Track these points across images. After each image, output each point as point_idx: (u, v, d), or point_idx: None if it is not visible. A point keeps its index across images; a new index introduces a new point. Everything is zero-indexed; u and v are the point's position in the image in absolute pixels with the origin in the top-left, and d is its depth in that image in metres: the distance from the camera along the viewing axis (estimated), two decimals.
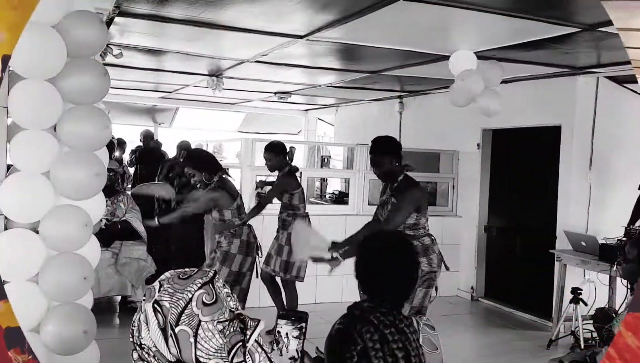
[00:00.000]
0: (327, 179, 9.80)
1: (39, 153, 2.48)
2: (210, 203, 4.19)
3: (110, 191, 5.90)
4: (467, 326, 6.27)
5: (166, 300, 1.25)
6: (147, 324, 1.25)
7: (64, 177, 2.48)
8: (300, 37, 4.46)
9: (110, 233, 5.78)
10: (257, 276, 4.46)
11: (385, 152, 3.97)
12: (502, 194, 6.97)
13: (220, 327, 1.24)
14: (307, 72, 6.42)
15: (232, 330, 1.26)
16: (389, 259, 2.06)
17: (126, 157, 8.85)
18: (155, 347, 1.25)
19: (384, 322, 1.38)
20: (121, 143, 8.92)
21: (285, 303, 5.26)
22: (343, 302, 6.09)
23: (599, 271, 5.24)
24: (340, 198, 8.20)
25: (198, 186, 4.35)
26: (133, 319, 1.31)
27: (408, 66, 5.70)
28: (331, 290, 6.39)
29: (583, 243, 5.43)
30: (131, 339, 1.31)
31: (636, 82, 5.89)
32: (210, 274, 1.31)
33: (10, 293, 2.40)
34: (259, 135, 11.42)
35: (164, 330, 1.23)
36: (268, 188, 5.50)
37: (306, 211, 5.18)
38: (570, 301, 5.29)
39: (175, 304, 1.24)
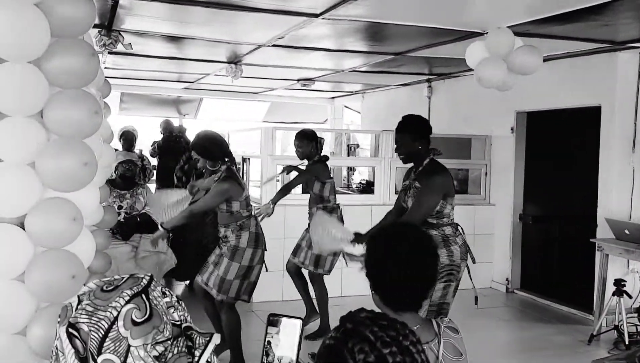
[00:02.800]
0: (354, 169, 9.57)
1: (24, 142, 2.27)
2: (220, 197, 3.91)
3: (131, 183, 5.81)
4: (502, 319, 5.95)
5: (84, 322, 0.97)
6: (63, 353, 0.99)
7: (50, 167, 2.27)
8: (316, 15, 4.19)
9: (129, 226, 5.66)
10: (266, 270, 4.20)
11: (410, 131, 3.66)
12: (538, 180, 6.61)
13: (159, 349, 0.97)
14: (329, 55, 6.15)
15: (175, 351, 0.99)
16: (401, 256, 1.79)
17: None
18: None
19: (382, 339, 1.10)
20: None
21: (313, 297, 5.10)
22: (370, 295, 5.90)
23: None
24: (368, 188, 7.97)
25: (204, 172, 4.13)
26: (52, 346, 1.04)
27: (436, 45, 5.38)
28: (358, 282, 6.10)
29: (626, 231, 5.06)
30: None
31: None
32: (144, 281, 1.04)
33: None
34: (284, 124, 11.20)
35: (84, 360, 0.97)
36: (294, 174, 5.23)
37: (337, 202, 4.99)
38: (613, 294, 4.94)
39: (96, 326, 0.97)
